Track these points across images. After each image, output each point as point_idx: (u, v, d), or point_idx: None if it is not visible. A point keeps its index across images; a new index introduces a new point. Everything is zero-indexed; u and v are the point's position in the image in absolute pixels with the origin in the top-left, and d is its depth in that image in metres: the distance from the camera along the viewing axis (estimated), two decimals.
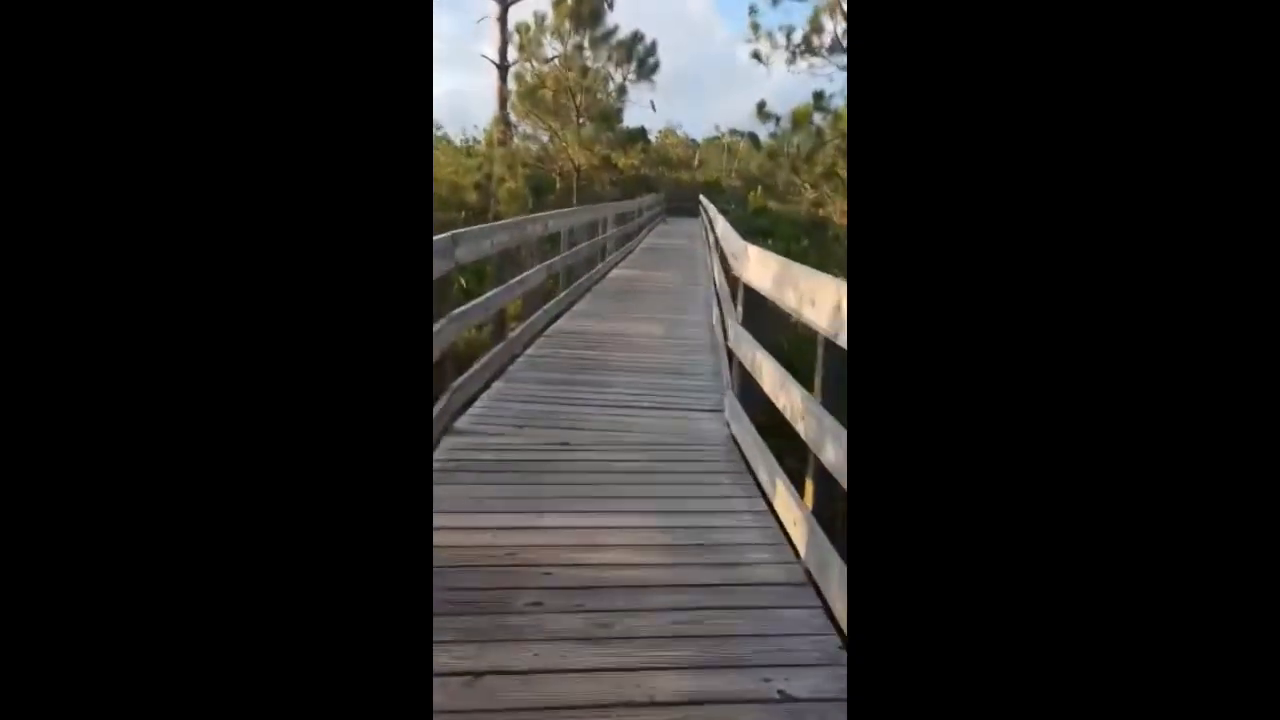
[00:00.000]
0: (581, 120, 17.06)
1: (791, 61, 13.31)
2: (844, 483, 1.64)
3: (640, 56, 17.19)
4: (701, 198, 19.57)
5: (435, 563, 1.67)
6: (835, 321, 1.81)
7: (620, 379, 4.18)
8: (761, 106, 12.98)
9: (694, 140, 40.00)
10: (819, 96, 12.31)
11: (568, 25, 16.29)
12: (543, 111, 17.02)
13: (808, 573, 1.97)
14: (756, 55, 13.54)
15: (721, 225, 5.12)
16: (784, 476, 2.34)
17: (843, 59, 13.08)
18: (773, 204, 23.65)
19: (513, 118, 18.60)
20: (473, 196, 13.73)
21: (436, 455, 2.79)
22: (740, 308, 3.18)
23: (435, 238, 2.79)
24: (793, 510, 2.17)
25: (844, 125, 11.48)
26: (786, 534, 2.24)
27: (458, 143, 20.66)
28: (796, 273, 2.21)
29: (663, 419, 3.51)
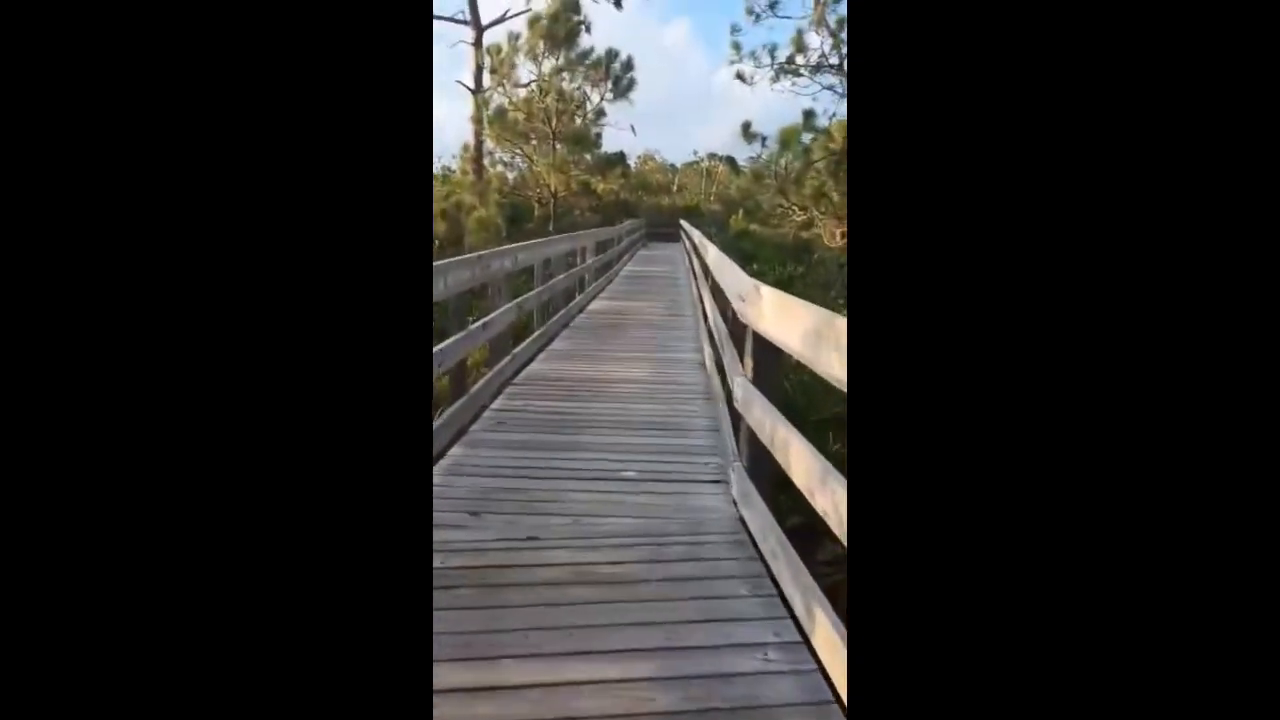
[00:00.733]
0: (557, 144, 16.50)
1: (775, 80, 12.92)
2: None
3: (616, 74, 16.64)
4: (683, 222, 19.15)
5: None
6: None
7: (603, 439, 3.55)
8: (747, 127, 12.53)
9: (672, 165, 40.14)
10: (809, 115, 11.86)
11: (542, 46, 15.78)
12: (515, 135, 16.42)
13: None
14: (740, 76, 13.13)
15: (714, 254, 4.53)
16: (827, 605, 1.71)
17: (827, 78, 12.71)
18: (754, 227, 23.34)
19: (489, 144, 18.06)
20: (441, 226, 13.13)
21: None
22: (750, 361, 2.58)
23: None
24: (844, 660, 1.55)
25: (834, 145, 11.04)
26: (834, 689, 1.62)
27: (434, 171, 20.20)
28: (843, 329, 1.60)
29: (654, 495, 2.88)
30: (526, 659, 1.75)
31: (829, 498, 1.66)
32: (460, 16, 16.84)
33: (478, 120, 16.75)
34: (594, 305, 8.65)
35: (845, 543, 1.46)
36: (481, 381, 3.99)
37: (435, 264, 3.75)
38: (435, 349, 3.21)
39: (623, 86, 16.42)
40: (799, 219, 12.90)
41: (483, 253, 4.12)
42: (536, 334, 5.52)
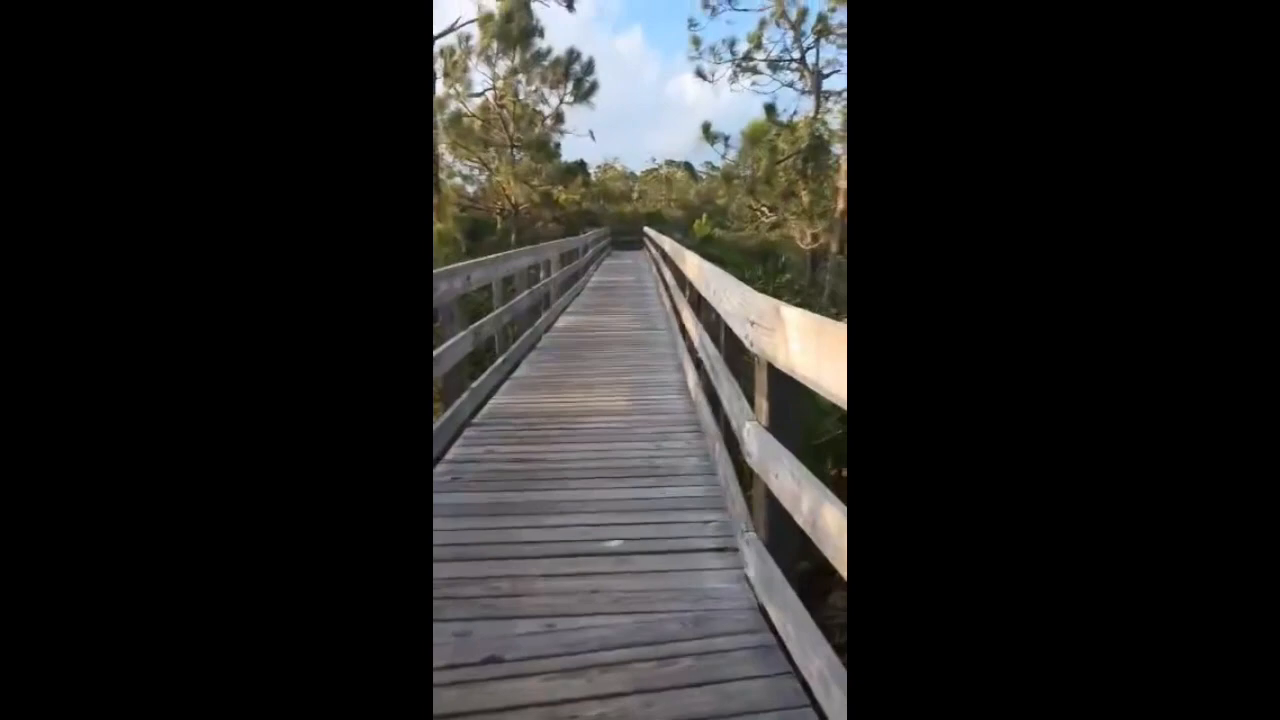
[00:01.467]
0: (517, 154, 15.74)
1: (734, 80, 12.45)
2: None
3: (577, 76, 15.93)
4: (648, 230, 18.64)
5: None
6: None
7: (578, 495, 2.94)
8: (707, 128, 12.00)
9: (632, 173, 39.85)
10: (770, 109, 11.36)
11: (496, 46, 15.02)
12: (472, 143, 15.64)
13: None
14: (700, 73, 12.60)
15: (696, 264, 3.94)
16: None
17: (786, 75, 12.28)
18: (718, 231, 22.92)
19: (447, 156, 17.29)
20: None
21: None
22: (765, 404, 2.00)
23: None
24: None
25: (800, 140, 10.56)
26: None
27: None
28: None
29: (646, 575, 2.28)
30: None
31: None
32: None
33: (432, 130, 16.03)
34: (562, 321, 8.03)
35: None
36: (435, 426, 3.36)
37: None
38: None
39: (584, 89, 15.73)
40: (768, 220, 12.40)
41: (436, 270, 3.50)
42: (498, 362, 4.90)
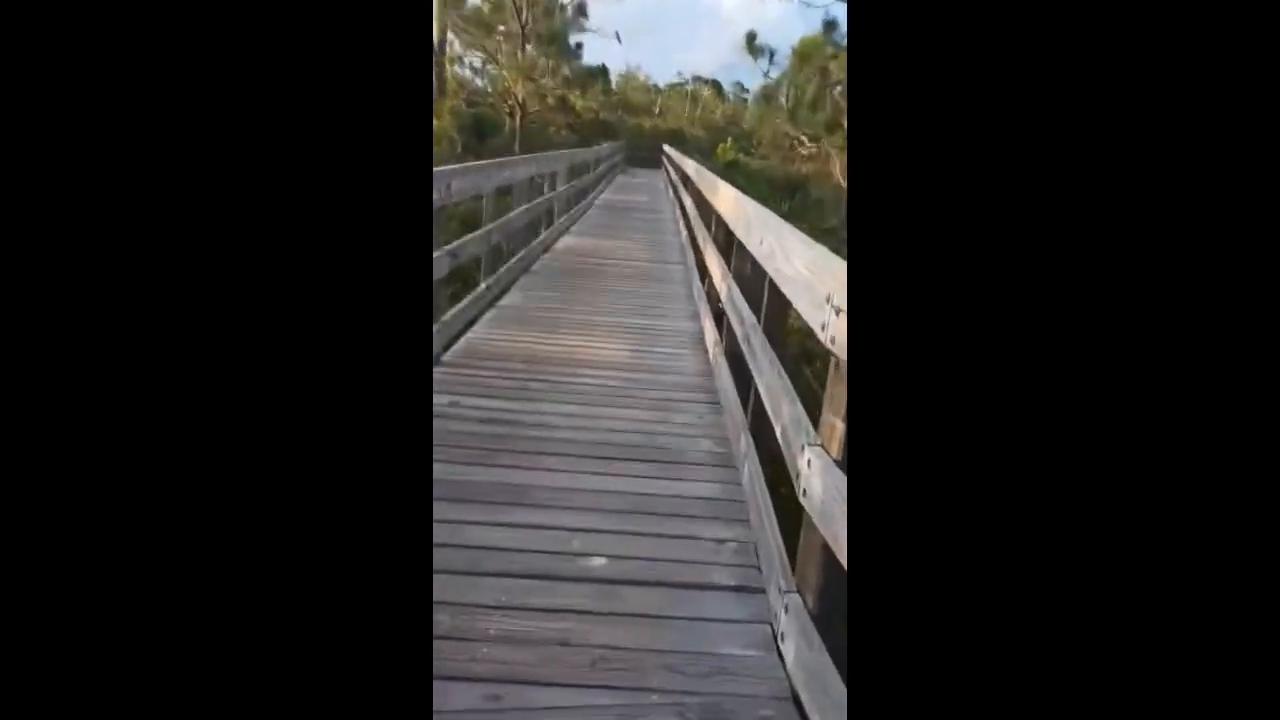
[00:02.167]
0: (529, 46, 14.20)
1: None
2: None
3: None
4: (667, 149, 17.50)
5: None
6: None
7: (557, 482, 2.30)
8: (752, 39, 10.73)
9: (656, 85, 38.02)
10: (830, 25, 10.10)
11: None
12: (476, 27, 14.13)
13: None
14: None
15: (733, 200, 3.15)
16: None
17: None
18: (742, 158, 21.68)
19: (457, 47, 15.87)
20: None
21: None
22: (843, 428, 1.32)
23: None
24: None
25: None
26: None
27: None
28: None
29: (635, 624, 1.65)
30: None
31: None
32: None
33: (441, 19, 14.56)
34: (564, 242, 7.26)
35: None
36: None
37: None
38: None
39: None
40: (805, 151, 11.34)
41: None
42: (480, 289, 4.19)
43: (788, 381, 1.83)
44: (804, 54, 9.70)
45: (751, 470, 2.18)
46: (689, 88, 40.30)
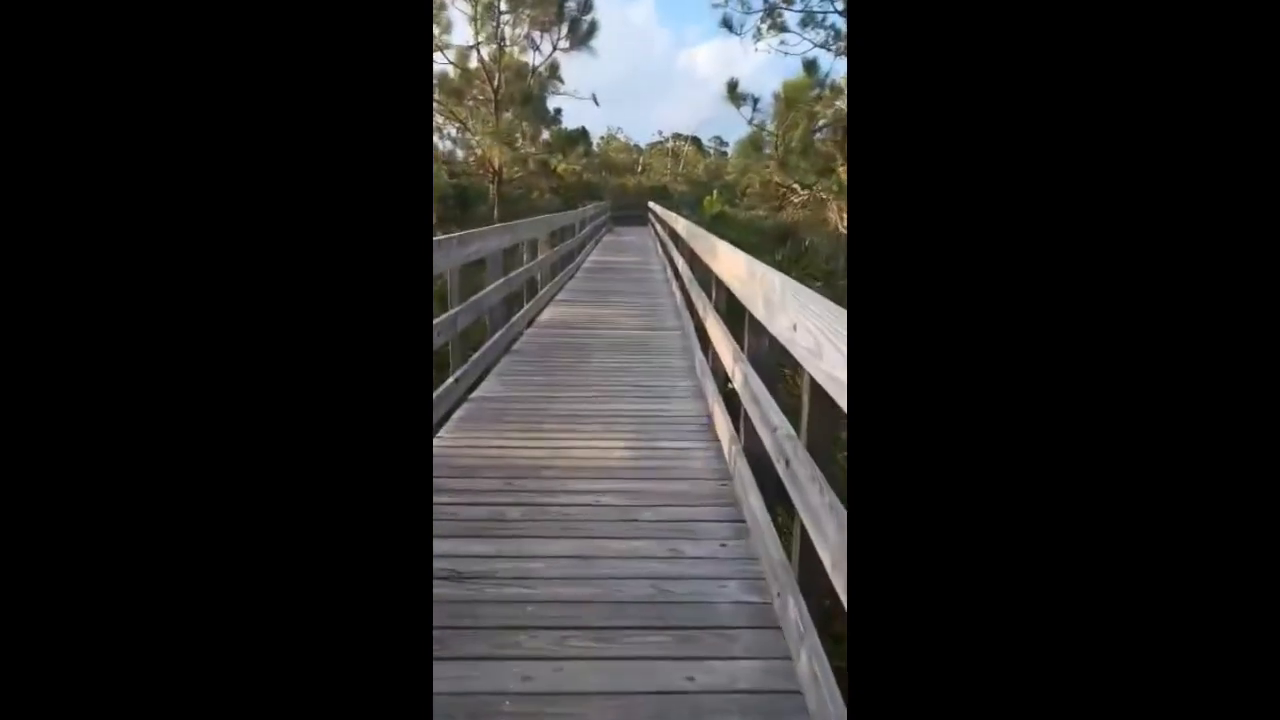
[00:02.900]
0: (499, 109, 13.82)
1: (758, 37, 10.91)
2: None
3: (573, 15, 13.80)
4: (653, 205, 17.22)
5: None
6: None
7: (537, 676, 1.64)
8: (733, 87, 10.40)
9: (637, 145, 38.52)
10: (811, 66, 9.77)
11: None
12: (445, 94, 13.81)
13: None
14: (727, 23, 10.98)
15: (745, 266, 2.51)
16: None
17: (816, 34, 10.77)
18: (729, 209, 21.47)
19: (438, 119, 15.63)
20: None
21: None
22: None
23: None
24: None
25: (842, 105, 9.05)
26: None
27: None
28: None
29: None
30: None
31: None
32: None
33: None
34: (549, 313, 6.71)
35: None
36: None
37: None
38: None
39: (581, 32, 13.69)
40: (798, 199, 10.92)
41: None
42: (449, 382, 3.58)
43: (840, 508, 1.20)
44: (789, 98, 9.38)
45: (811, 650, 1.53)
46: (669, 145, 40.90)
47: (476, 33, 12.90)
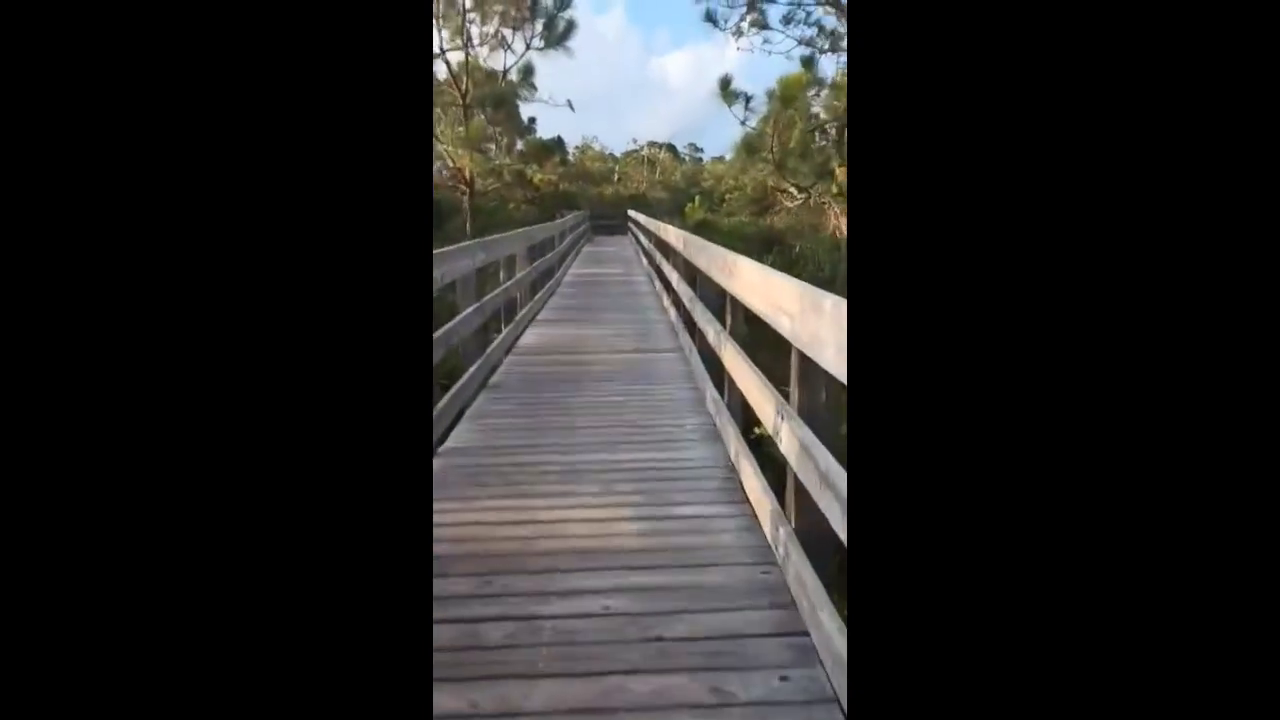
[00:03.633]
0: (469, 113, 13.01)
1: (739, 35, 10.35)
2: None
3: (549, 12, 12.94)
4: (633, 213, 16.65)
5: None
6: None
7: None
8: (726, 84, 9.77)
9: (612, 154, 38.15)
10: (808, 62, 9.18)
11: None
12: None
13: None
14: (710, 17, 10.35)
15: (796, 294, 1.88)
16: None
17: (801, 31, 10.24)
18: (710, 216, 20.96)
19: None
20: None
21: None
22: None
23: None
24: None
25: (842, 102, 8.49)
26: None
27: None
28: None
29: None
30: None
31: None
32: None
33: None
34: (530, 337, 6.07)
35: None
36: None
37: None
38: None
39: (557, 32, 12.83)
40: (793, 204, 10.33)
41: None
42: None
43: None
44: (786, 95, 8.78)
45: None
46: (645, 153, 40.61)
47: (440, 29, 12.17)
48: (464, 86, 12.34)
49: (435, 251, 3.71)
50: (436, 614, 1.91)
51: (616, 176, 33.95)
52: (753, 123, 9.73)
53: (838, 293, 1.53)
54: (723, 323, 3.18)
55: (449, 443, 3.33)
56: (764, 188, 10.99)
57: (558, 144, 22.15)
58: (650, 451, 3.21)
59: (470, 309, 4.10)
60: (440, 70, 12.67)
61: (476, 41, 12.65)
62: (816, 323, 1.60)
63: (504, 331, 5.41)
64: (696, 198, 21.78)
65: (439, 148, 12.87)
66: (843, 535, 1.43)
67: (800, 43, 10.00)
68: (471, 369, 4.10)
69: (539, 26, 12.69)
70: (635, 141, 41.24)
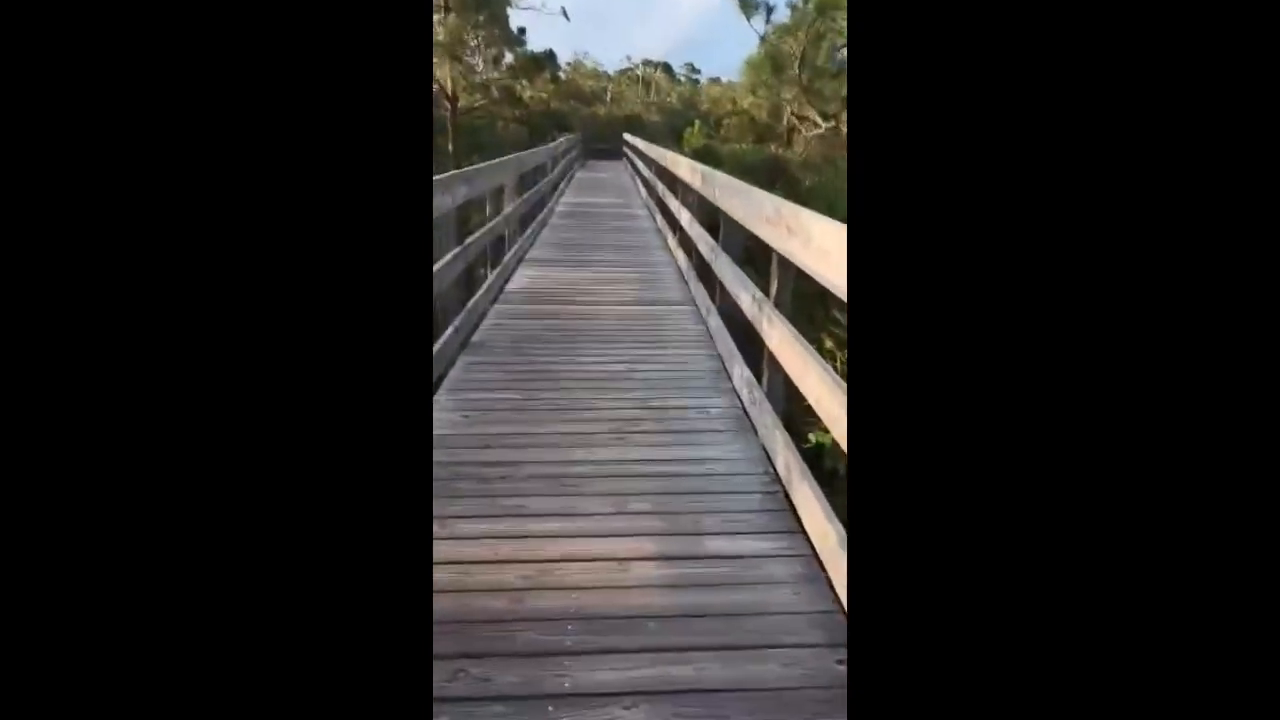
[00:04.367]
0: (448, 11, 11.75)
1: None
2: None
3: None
4: (630, 138, 15.59)
5: None
6: None
7: None
8: None
9: (606, 72, 36.36)
10: None
11: None
12: None
13: None
14: None
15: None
16: None
17: None
18: (711, 143, 19.84)
19: None
20: None
21: None
22: None
23: None
24: None
25: None
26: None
27: None
28: None
29: None
30: None
31: None
32: None
33: None
34: (520, 279, 5.38)
35: None
36: None
37: None
38: None
39: None
40: (811, 134, 9.42)
41: None
42: None
43: None
44: (821, 3, 7.69)
45: None
46: (639, 72, 38.79)
47: None
48: None
49: None
50: None
51: (610, 97, 32.38)
52: (770, 39, 8.69)
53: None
54: (767, 293, 2.52)
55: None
56: (776, 111, 9.99)
57: (549, 58, 20.72)
58: (669, 449, 2.60)
59: (450, 255, 3.40)
60: None
61: None
62: None
63: (490, 276, 4.71)
64: (696, 122, 20.58)
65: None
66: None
67: None
68: (451, 327, 3.43)
69: None
70: (630, 59, 39.31)
